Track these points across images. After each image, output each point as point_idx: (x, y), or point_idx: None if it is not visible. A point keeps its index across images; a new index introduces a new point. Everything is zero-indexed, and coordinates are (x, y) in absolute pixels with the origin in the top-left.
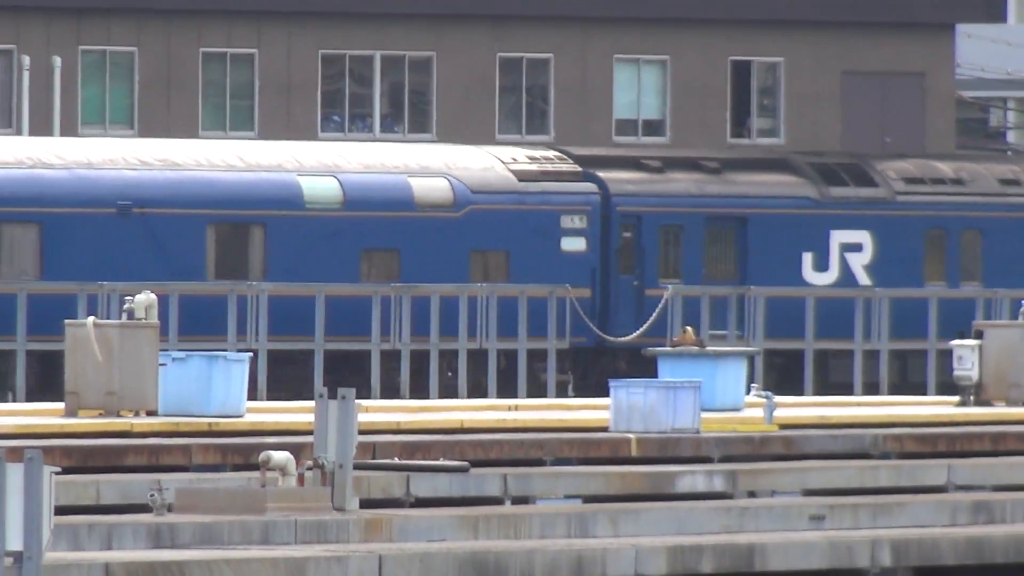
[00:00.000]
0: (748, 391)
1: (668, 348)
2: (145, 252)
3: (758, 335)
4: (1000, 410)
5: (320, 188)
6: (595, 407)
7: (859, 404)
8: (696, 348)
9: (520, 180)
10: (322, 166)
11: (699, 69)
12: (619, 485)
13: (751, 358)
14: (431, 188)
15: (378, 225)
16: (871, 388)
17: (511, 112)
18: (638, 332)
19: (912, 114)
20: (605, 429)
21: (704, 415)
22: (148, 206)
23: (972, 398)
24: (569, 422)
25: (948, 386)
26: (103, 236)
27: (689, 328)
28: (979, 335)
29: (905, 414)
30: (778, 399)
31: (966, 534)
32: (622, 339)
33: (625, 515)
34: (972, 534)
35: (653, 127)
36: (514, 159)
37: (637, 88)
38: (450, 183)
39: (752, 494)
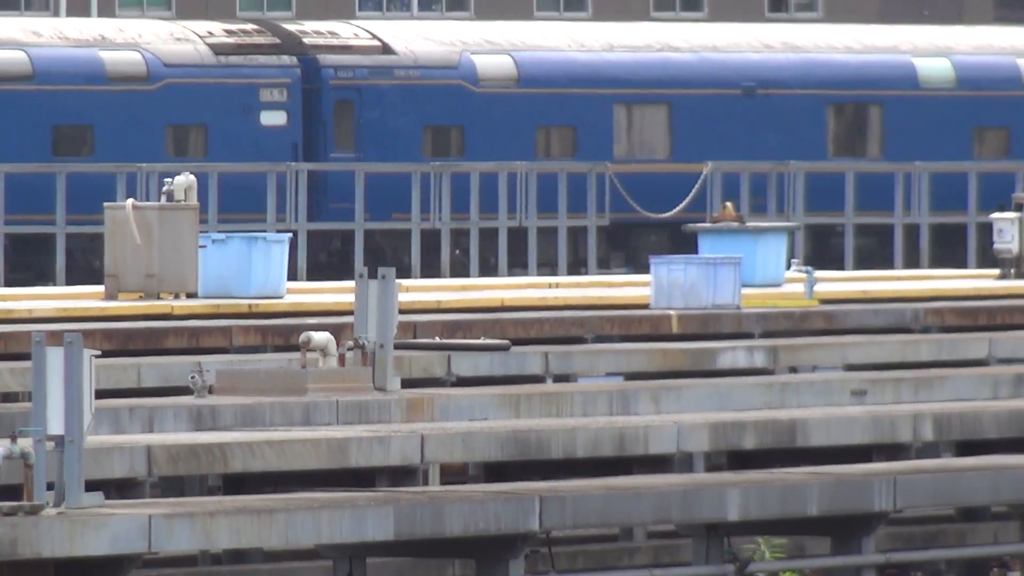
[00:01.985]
0: (789, 266)
1: (708, 224)
2: (767, 131)
3: (798, 210)
4: None
5: (934, 69)
6: (636, 283)
7: (899, 279)
8: (736, 224)
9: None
10: (934, 48)
11: None
12: (660, 362)
13: (791, 233)
14: None
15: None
16: (912, 262)
17: None
18: (677, 209)
19: None
20: (646, 306)
21: (744, 291)
22: (771, 87)
23: (1013, 271)
24: (610, 299)
25: (989, 259)
26: (728, 116)
27: (729, 204)
28: (1019, 207)
29: (946, 288)
30: (818, 274)
31: (1008, 407)
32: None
33: (667, 392)
34: (1014, 407)
35: (691, 2)
36: None
37: None
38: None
39: (793, 370)
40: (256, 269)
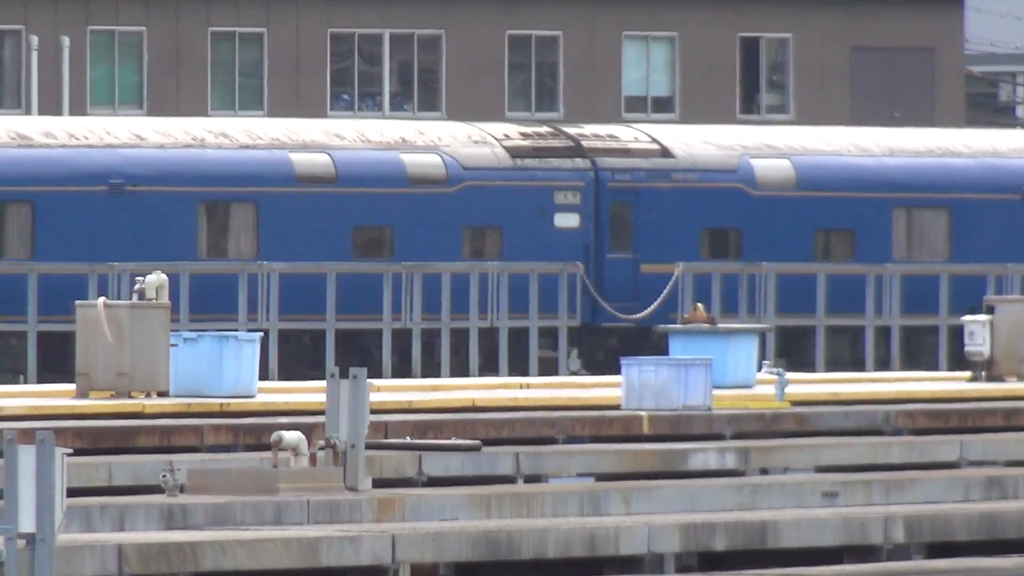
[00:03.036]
0: (760, 368)
1: (679, 325)
2: None
3: (769, 312)
4: (1012, 385)
5: None
6: (607, 384)
7: (871, 380)
8: (707, 325)
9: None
10: None
11: (708, 45)
12: (631, 463)
13: (762, 335)
14: None
15: None
16: (882, 364)
17: (520, 90)
18: (648, 311)
19: (922, 89)
20: (617, 407)
21: (716, 392)
22: None
23: (984, 373)
24: (581, 400)
25: (960, 361)
26: (1008, 220)
27: (700, 305)
28: (990, 310)
29: (917, 390)
30: (789, 376)
31: (979, 510)
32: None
33: (638, 493)
34: (985, 510)
35: (662, 104)
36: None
37: (646, 65)
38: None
39: (764, 471)
40: (228, 368)
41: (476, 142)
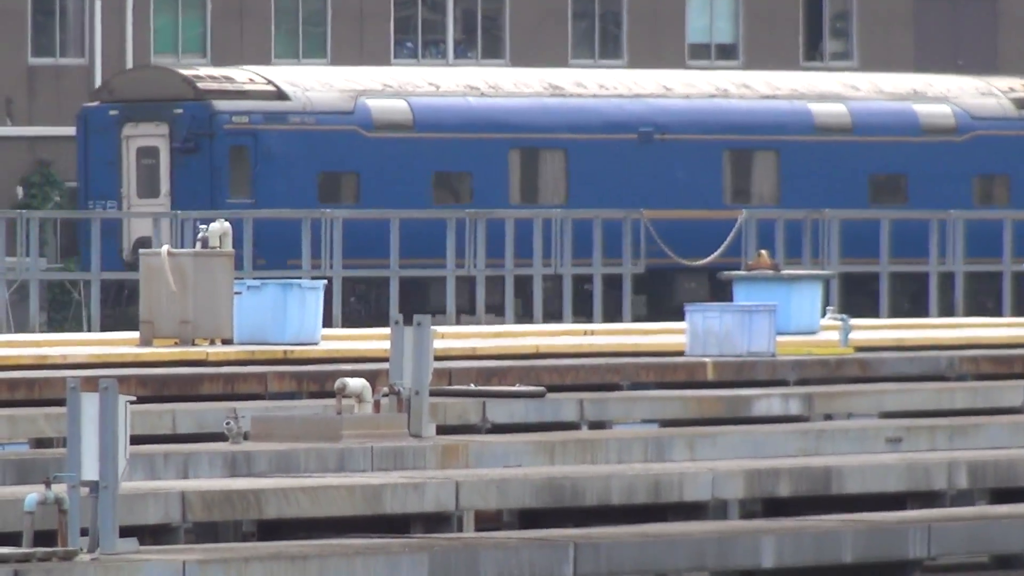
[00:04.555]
0: (824, 314)
1: (743, 272)
2: None
3: (833, 258)
4: None
5: None
6: (671, 331)
7: (934, 327)
8: (771, 272)
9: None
10: None
11: None
12: (696, 409)
13: (827, 281)
14: None
15: None
16: (947, 311)
17: (584, 38)
18: (714, 255)
19: (985, 37)
20: (681, 353)
21: (780, 339)
22: None
23: None
24: (645, 346)
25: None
26: None
27: (764, 252)
28: None
29: (981, 336)
30: (854, 322)
31: None
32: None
33: (702, 439)
34: None
35: (726, 51)
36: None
37: (710, 12)
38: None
39: (828, 417)
40: (291, 316)
41: (983, 94)
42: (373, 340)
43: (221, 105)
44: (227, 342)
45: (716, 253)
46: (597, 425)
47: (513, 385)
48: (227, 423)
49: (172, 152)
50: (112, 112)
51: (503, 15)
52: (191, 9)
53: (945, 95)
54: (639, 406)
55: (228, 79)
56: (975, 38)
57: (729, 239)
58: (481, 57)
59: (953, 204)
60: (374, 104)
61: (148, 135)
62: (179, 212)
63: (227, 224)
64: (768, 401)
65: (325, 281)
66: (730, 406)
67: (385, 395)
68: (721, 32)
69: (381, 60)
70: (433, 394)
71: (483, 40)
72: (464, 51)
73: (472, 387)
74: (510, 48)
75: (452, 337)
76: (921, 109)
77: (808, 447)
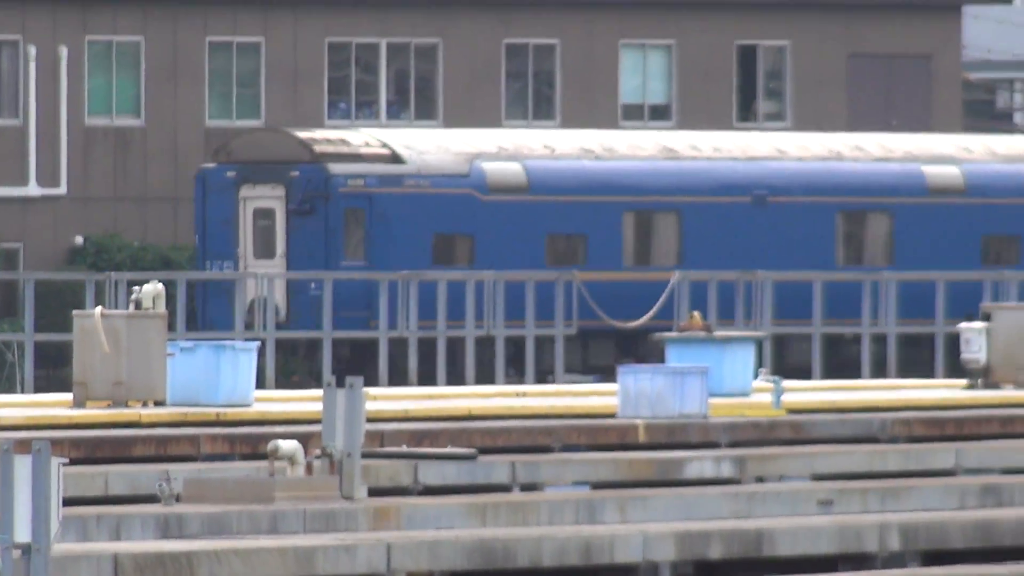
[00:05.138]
0: (756, 376)
1: (675, 333)
2: None
3: (766, 319)
4: (1009, 393)
5: None
6: (603, 393)
7: (867, 388)
8: (704, 333)
9: None
10: None
11: (705, 53)
12: (627, 471)
13: (759, 343)
14: None
15: None
16: (879, 371)
17: (517, 98)
18: (646, 317)
19: (919, 96)
20: (613, 415)
21: (712, 400)
22: None
23: (980, 381)
24: (577, 408)
25: (957, 369)
26: None
27: (696, 313)
28: (987, 317)
29: (913, 398)
30: (786, 383)
31: (975, 517)
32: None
33: (633, 501)
34: (981, 517)
35: (659, 112)
36: None
37: (643, 73)
38: None
39: (760, 479)
40: (224, 377)
41: None
42: (306, 402)
43: (336, 168)
44: (160, 404)
45: (648, 315)
46: (529, 487)
47: (445, 447)
48: (159, 485)
49: (288, 214)
50: (229, 173)
51: (436, 76)
52: (125, 70)
53: None
54: (571, 468)
55: (344, 142)
56: (909, 98)
57: (661, 300)
58: (414, 118)
59: None
60: (489, 167)
61: (265, 196)
62: (112, 273)
63: (160, 286)
64: (700, 463)
65: (258, 343)
66: (661, 468)
67: (317, 457)
68: (654, 92)
69: (314, 121)
70: (365, 456)
71: (416, 101)
72: (397, 112)
73: (404, 449)
74: (443, 109)
75: (384, 399)
76: None
77: (740, 509)
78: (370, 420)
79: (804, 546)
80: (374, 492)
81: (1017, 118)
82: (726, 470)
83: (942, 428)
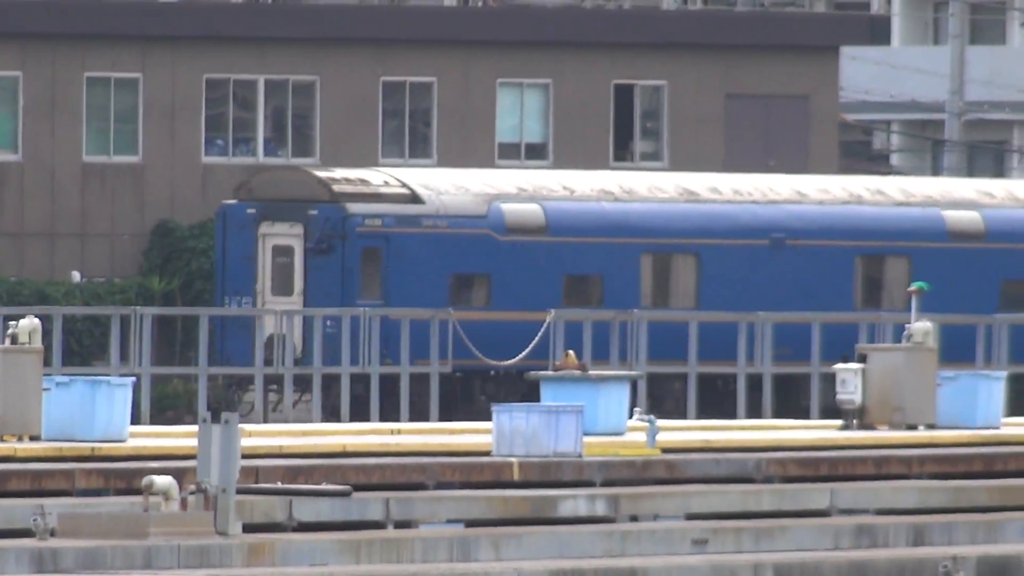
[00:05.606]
0: (631, 415)
1: (550, 372)
2: None
3: (641, 359)
4: (883, 434)
5: None
6: (478, 431)
7: (742, 428)
8: (579, 372)
9: None
10: None
11: (582, 92)
12: (501, 509)
13: (634, 382)
14: None
15: None
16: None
17: (394, 136)
18: (520, 356)
19: (796, 137)
20: (488, 453)
21: (586, 439)
22: None
23: (855, 422)
24: (451, 446)
25: (832, 410)
26: None
27: (571, 352)
28: (863, 359)
29: (788, 438)
30: (661, 423)
31: (849, 558)
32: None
33: (507, 539)
34: (855, 558)
35: (536, 151)
36: None
37: (520, 112)
38: None
39: (634, 518)
40: (100, 412)
41: None
42: (181, 437)
43: (354, 208)
44: (35, 438)
45: (523, 354)
46: (403, 524)
47: (319, 483)
48: (34, 519)
49: (306, 252)
50: (250, 211)
51: (313, 113)
52: (2, 104)
53: None
54: (445, 505)
55: (363, 182)
56: (786, 138)
57: (536, 339)
58: (291, 155)
59: None
60: (508, 208)
61: (283, 234)
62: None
63: (36, 320)
64: (574, 502)
65: (134, 378)
66: (536, 506)
67: (192, 492)
68: (531, 132)
69: (192, 157)
70: (240, 492)
71: (293, 138)
72: (274, 149)
73: (279, 485)
74: (320, 146)
75: (259, 435)
76: None
77: (614, 548)
78: (245, 456)
79: None
80: (248, 528)
81: (894, 159)
82: (600, 509)
83: (817, 468)
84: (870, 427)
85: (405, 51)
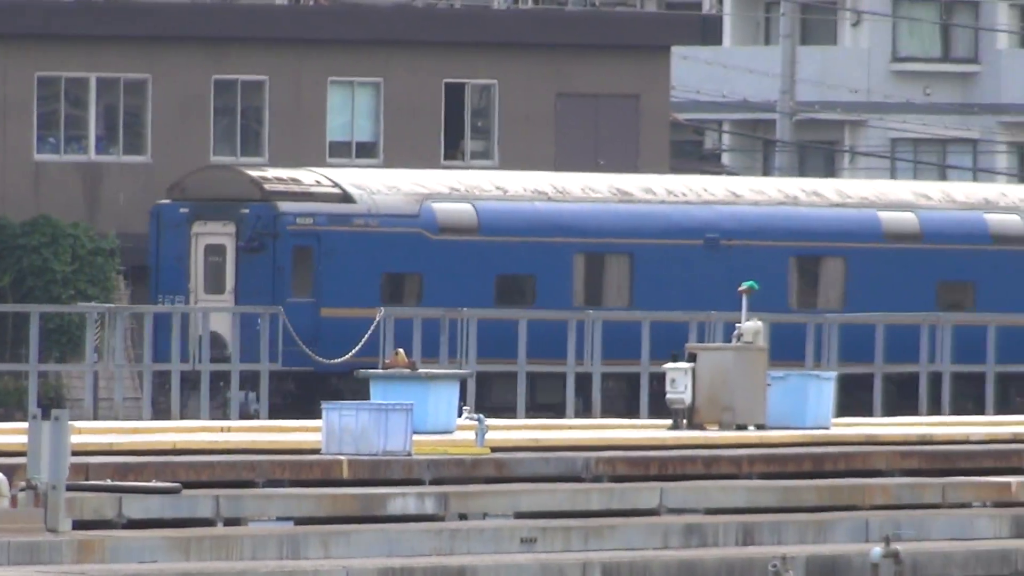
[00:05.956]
0: (460, 414)
1: (380, 370)
2: None
3: (471, 358)
4: (712, 434)
5: None
6: (308, 429)
7: (571, 427)
8: (408, 370)
9: None
10: None
11: (412, 91)
12: (330, 507)
13: (463, 380)
14: None
15: None
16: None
17: (225, 134)
18: (349, 355)
19: (627, 136)
20: (318, 451)
21: (416, 437)
22: None
23: (685, 421)
24: (281, 444)
25: (662, 408)
26: None
27: (400, 350)
28: (692, 358)
29: (617, 437)
30: (490, 422)
31: (678, 557)
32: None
33: (336, 537)
34: (684, 557)
35: (366, 149)
36: None
37: (351, 110)
38: None
39: (463, 517)
40: None
41: None
42: (11, 434)
43: (285, 206)
44: None
45: (353, 351)
46: (232, 521)
47: (149, 481)
48: None
49: (238, 251)
50: (183, 210)
51: (145, 110)
52: None
53: (1017, 205)
54: (274, 503)
55: (295, 181)
56: (617, 137)
57: (365, 338)
58: (123, 153)
59: (1022, 311)
60: (439, 207)
61: (216, 233)
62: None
63: None
64: (403, 500)
65: None
66: (365, 504)
67: (22, 490)
68: (362, 130)
69: (24, 154)
70: (70, 489)
71: (124, 136)
72: (105, 147)
73: (109, 482)
74: (151, 144)
75: (89, 432)
76: (992, 218)
77: (443, 546)
78: (75, 453)
79: None
80: (79, 525)
81: (725, 159)
82: (429, 507)
83: (646, 468)
84: (700, 427)
85: (237, 49)
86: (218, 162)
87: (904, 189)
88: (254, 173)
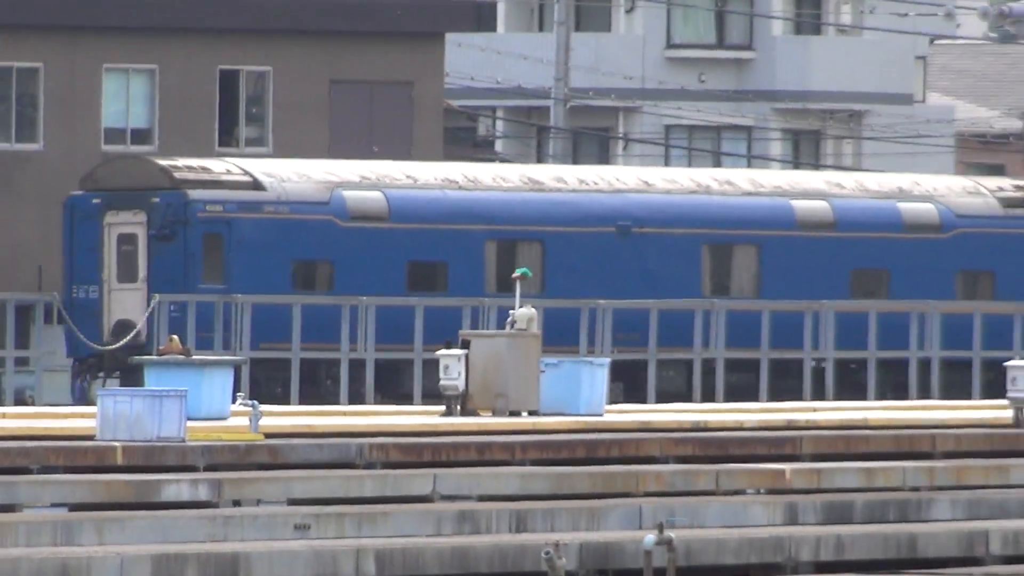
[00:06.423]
0: (235, 400)
1: (154, 357)
2: None
3: (245, 344)
4: (486, 420)
5: None
6: (84, 415)
7: (344, 414)
8: (182, 357)
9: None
10: None
11: (187, 78)
12: (104, 493)
13: (236, 367)
14: None
15: None
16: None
17: (1, 120)
18: (124, 340)
19: (400, 123)
20: (92, 437)
21: (190, 424)
22: None
23: (458, 407)
24: (56, 430)
25: (436, 394)
26: None
27: (175, 337)
28: (466, 344)
29: (390, 424)
30: (264, 408)
31: (451, 544)
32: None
33: (110, 524)
34: (457, 544)
35: (141, 136)
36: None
37: (126, 97)
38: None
39: (237, 503)
40: None
41: (970, 193)
42: None
43: (195, 194)
44: None
45: (127, 338)
46: (6, 508)
47: None
48: None
49: (149, 239)
50: (95, 200)
51: None
52: None
53: (931, 194)
54: (49, 490)
55: (205, 169)
56: (391, 124)
57: (140, 324)
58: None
59: (937, 299)
60: (350, 195)
61: (128, 223)
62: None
63: None
64: (177, 486)
65: None
66: (139, 491)
67: None
68: (137, 117)
69: None
70: None
71: None
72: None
73: None
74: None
75: None
76: (905, 207)
77: (216, 533)
78: None
79: (280, 570)
80: None
81: (499, 146)
82: (203, 493)
83: (419, 454)
84: (473, 413)
85: (11, 36)
86: None
87: (817, 178)
88: (164, 162)
